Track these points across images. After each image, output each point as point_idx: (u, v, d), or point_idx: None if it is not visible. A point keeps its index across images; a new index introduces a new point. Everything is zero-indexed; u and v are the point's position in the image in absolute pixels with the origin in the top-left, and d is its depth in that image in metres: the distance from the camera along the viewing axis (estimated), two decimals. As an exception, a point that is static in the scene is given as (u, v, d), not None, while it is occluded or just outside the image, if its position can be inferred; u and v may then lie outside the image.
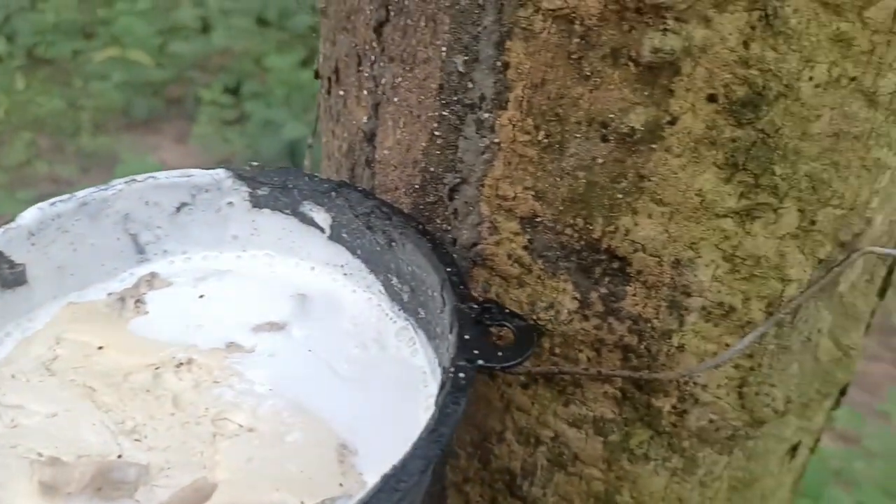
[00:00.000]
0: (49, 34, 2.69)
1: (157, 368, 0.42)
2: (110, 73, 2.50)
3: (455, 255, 0.45)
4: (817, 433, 0.56)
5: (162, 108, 2.57)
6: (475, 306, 0.39)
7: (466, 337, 0.37)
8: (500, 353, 0.37)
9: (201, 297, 0.47)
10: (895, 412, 1.60)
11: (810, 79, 0.38)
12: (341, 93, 0.51)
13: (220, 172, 0.49)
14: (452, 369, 0.36)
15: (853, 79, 0.38)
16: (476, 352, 0.37)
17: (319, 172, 0.60)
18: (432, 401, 0.41)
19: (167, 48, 2.59)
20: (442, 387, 0.36)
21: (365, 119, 0.49)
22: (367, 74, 0.48)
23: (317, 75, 0.57)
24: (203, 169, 0.49)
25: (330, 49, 0.52)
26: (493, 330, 0.40)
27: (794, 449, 0.53)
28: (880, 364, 1.82)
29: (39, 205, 0.46)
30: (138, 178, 0.48)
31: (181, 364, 0.43)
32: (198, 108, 2.45)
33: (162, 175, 0.48)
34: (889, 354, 1.86)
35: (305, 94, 2.41)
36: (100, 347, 0.43)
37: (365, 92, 0.49)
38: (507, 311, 0.40)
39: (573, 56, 0.39)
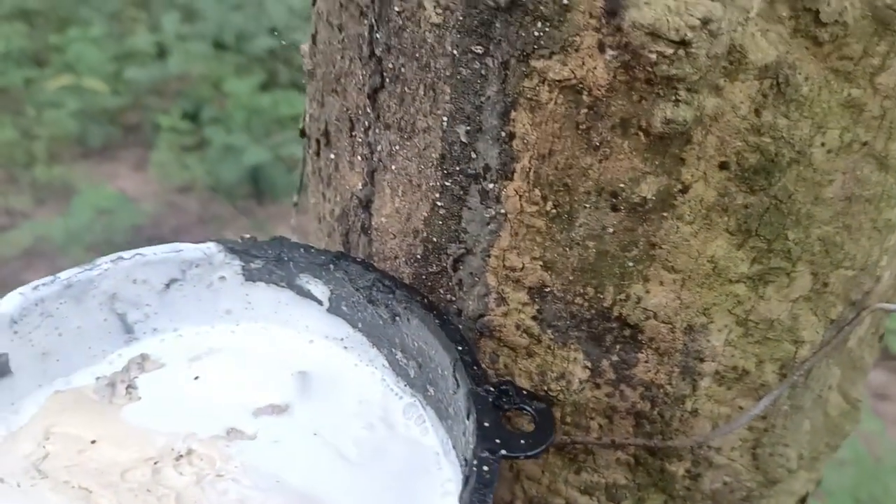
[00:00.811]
0: (-1, 63, 2.62)
1: (155, 463, 0.40)
2: (64, 101, 2.43)
3: (461, 327, 0.44)
4: (819, 478, 0.56)
5: (119, 135, 2.51)
6: (492, 389, 0.38)
7: (486, 424, 0.36)
8: (522, 441, 0.36)
9: (196, 378, 0.45)
10: (863, 421, 1.63)
11: (822, 144, 0.38)
12: (332, 156, 0.50)
13: (212, 247, 0.47)
14: (475, 462, 0.34)
15: (865, 143, 0.38)
16: (497, 441, 0.35)
17: (308, 234, 0.58)
18: (450, 486, 0.39)
19: (123, 74, 2.53)
20: (466, 482, 0.34)
21: (360, 185, 0.47)
22: (360, 140, 0.46)
23: (303, 134, 0.56)
24: (193, 242, 0.47)
25: (318, 110, 0.51)
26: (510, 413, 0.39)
27: (802, 501, 0.53)
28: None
29: (21, 289, 0.43)
30: (125, 255, 0.46)
31: (181, 456, 0.41)
32: (156, 134, 2.40)
33: (150, 251, 0.46)
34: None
35: (265, 118, 2.38)
36: (93, 441, 0.41)
37: (359, 157, 0.47)
38: (525, 392, 0.39)
39: (581, 126, 0.38)
